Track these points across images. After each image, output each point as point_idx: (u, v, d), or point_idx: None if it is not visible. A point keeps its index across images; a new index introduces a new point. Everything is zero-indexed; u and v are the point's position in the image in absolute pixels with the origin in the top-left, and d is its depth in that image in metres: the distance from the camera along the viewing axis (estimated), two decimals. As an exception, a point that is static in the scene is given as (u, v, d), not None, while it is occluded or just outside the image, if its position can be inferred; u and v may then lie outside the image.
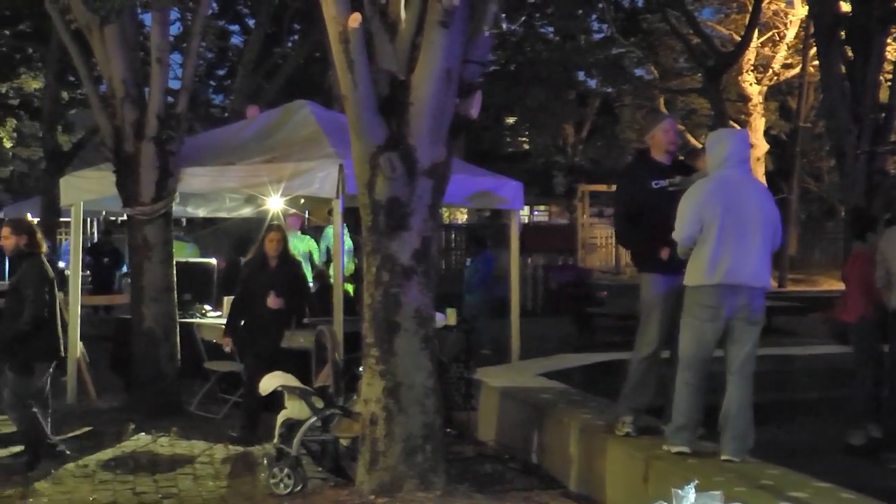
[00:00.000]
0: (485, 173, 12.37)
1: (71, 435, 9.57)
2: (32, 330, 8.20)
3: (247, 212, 13.97)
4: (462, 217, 39.46)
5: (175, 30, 18.46)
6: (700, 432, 6.71)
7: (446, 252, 28.56)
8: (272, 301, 9.50)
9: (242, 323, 9.88)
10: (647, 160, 7.43)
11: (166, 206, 10.42)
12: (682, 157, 7.81)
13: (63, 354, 8.83)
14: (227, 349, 9.92)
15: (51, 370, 8.51)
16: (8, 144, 31.21)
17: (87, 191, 11.30)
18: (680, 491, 4.77)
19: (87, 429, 9.88)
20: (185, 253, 17.84)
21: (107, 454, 8.90)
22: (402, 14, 6.94)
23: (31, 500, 7.54)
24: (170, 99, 10.64)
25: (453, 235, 29.96)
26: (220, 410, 10.40)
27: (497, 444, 8.89)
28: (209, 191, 11.69)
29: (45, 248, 8.53)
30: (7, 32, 25.09)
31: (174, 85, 11.68)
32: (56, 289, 8.58)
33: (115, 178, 10.48)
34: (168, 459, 8.65)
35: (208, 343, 10.93)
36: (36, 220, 25.21)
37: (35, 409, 8.37)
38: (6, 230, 8.50)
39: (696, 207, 6.55)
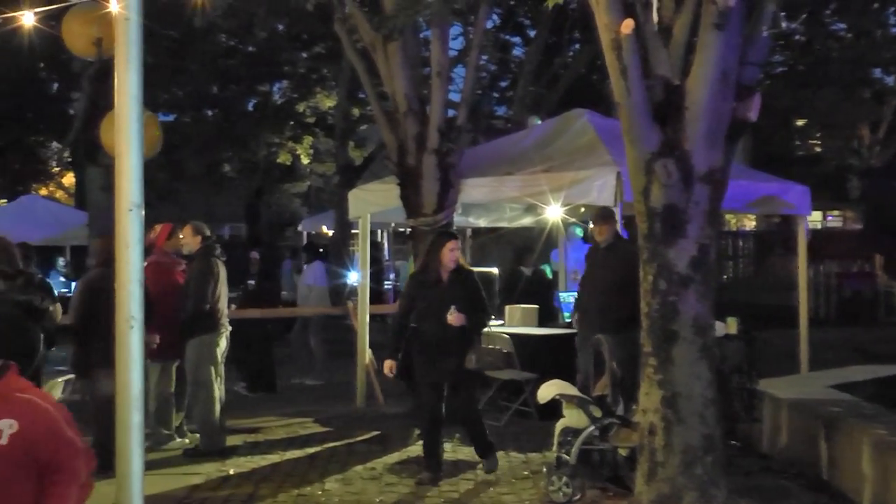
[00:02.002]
0: (768, 178, 11.97)
1: (360, 438, 9.99)
2: (191, 321, 9.29)
3: (527, 221, 14.11)
4: (750, 224, 38.28)
5: (458, 44, 18.94)
6: None
7: (733, 259, 27.80)
8: (454, 317, 8.23)
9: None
10: None
11: (448, 216, 10.66)
12: None
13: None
14: (390, 374, 8.60)
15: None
16: (305, 160, 32.89)
17: (374, 203, 11.75)
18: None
19: (375, 433, 10.28)
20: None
21: (393, 458, 9.22)
22: (675, 18, 6.82)
23: (323, 499, 7.91)
24: (451, 112, 10.91)
25: (740, 242, 29.14)
26: (501, 418, 10.54)
27: (783, 458, 8.56)
28: (489, 201, 11.89)
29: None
30: (304, 55, 26.51)
31: (455, 98, 11.97)
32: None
33: (399, 190, 10.83)
34: (450, 464, 8.84)
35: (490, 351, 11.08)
36: (330, 233, 26.56)
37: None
38: (188, 230, 9.64)
39: None
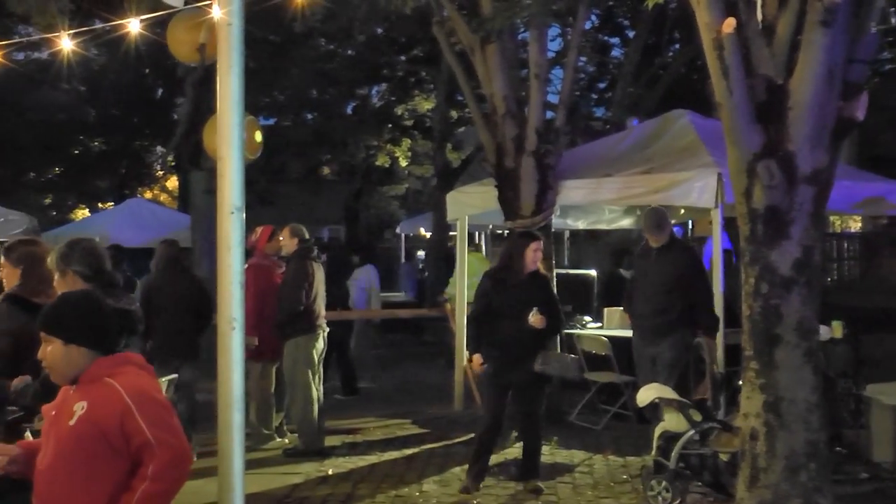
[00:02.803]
0: (874, 178, 11.67)
1: (458, 440, 10.01)
2: (286, 323, 9.52)
3: (626, 223, 14.00)
4: (855, 225, 37.43)
5: (556, 45, 18.86)
6: None
7: (838, 261, 27.18)
8: (537, 319, 7.94)
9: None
10: None
11: (546, 218, 10.61)
12: None
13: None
14: (480, 368, 8.26)
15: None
16: (403, 163, 33.09)
17: (471, 205, 11.77)
18: None
19: (472, 435, 10.26)
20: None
21: (490, 460, 9.20)
22: (779, 15, 6.69)
23: (420, 500, 7.94)
24: (549, 114, 10.86)
25: (846, 244, 28.48)
26: (599, 421, 10.47)
27: (890, 465, 8.34)
28: (587, 203, 11.83)
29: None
30: (402, 58, 26.68)
31: (553, 99, 11.92)
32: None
33: (497, 192, 10.82)
34: (548, 467, 8.80)
35: (588, 354, 11.03)
36: (428, 235, 26.67)
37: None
38: (286, 232, 9.84)
39: None
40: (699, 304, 8.87)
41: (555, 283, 10.85)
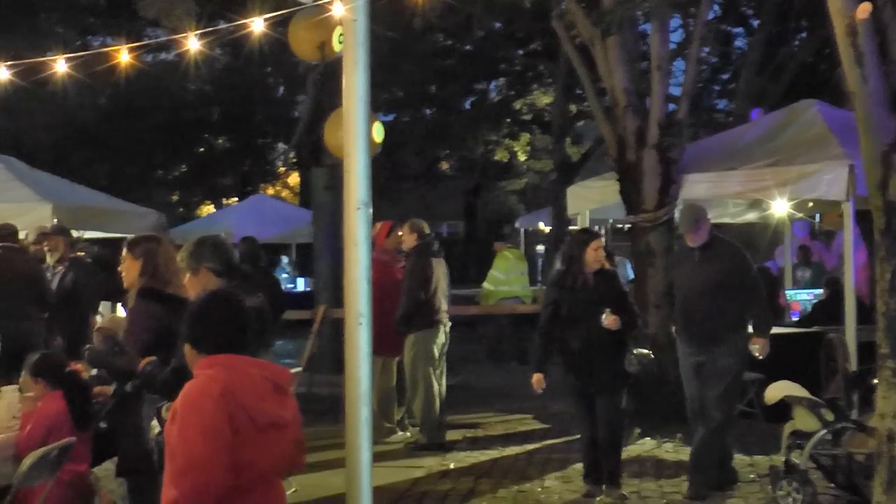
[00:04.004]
0: None
1: (576, 437, 9.90)
2: (405, 318, 9.61)
3: (751, 217, 13.71)
4: None
5: (677, 37, 18.58)
6: None
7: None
8: (610, 320, 7.49)
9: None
10: None
11: (668, 212, 10.45)
12: None
13: None
14: (539, 390, 7.88)
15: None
16: (522, 158, 33.04)
17: (592, 200, 11.67)
18: None
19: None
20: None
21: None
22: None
23: (542, 496, 7.89)
24: (671, 106, 10.70)
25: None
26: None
27: None
28: (711, 197, 11.58)
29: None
30: (521, 52, 26.63)
31: (675, 92, 11.73)
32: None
33: (618, 186, 10.70)
34: (672, 465, 8.67)
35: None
36: (548, 230, 26.55)
37: None
38: (406, 228, 9.93)
39: None
40: (751, 304, 8.02)
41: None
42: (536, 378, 7.76)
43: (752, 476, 8.34)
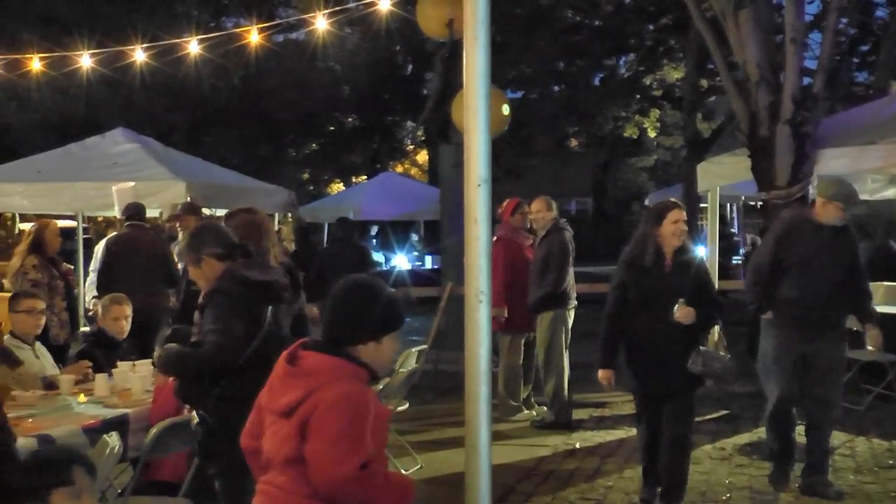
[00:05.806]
0: None
1: (709, 417, 9.77)
2: (546, 296, 9.49)
3: (890, 193, 13.26)
4: None
5: (813, 8, 18.06)
6: None
7: None
8: (683, 313, 6.40)
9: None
10: None
11: (803, 189, 10.17)
12: None
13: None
14: (607, 385, 6.83)
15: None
16: (652, 134, 32.61)
17: (723, 176, 11.43)
18: None
19: (724, 412, 10.02)
20: None
21: (743, 438, 8.96)
22: None
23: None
24: (806, 80, 10.40)
25: None
26: (862, 402, 9.98)
27: None
28: (848, 172, 11.21)
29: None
30: (651, 27, 26.24)
31: (811, 65, 11.40)
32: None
33: (750, 162, 10.47)
34: (802, 449, 8.46)
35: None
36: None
37: None
38: (541, 204, 9.76)
39: None
40: (863, 291, 7.29)
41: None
42: (604, 374, 6.77)
43: (890, 461, 8.09)
